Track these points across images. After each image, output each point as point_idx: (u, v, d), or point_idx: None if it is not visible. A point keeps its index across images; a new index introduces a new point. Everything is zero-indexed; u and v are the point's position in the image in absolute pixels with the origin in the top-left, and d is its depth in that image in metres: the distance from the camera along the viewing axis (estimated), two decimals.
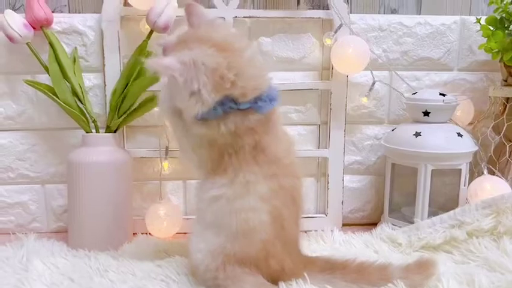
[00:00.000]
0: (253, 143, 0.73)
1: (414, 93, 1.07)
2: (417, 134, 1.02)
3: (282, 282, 0.76)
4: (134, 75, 1.01)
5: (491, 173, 1.06)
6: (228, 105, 0.70)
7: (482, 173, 1.06)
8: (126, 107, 1.03)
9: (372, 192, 1.22)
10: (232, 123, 0.71)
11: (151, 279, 0.83)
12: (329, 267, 0.80)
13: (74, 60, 1.07)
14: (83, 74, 1.09)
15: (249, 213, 0.72)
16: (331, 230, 1.06)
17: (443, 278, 0.80)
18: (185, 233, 1.10)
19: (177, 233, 1.10)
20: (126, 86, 1.02)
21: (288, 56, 1.13)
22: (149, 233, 1.10)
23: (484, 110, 1.15)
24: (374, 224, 1.20)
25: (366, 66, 1.08)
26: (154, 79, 1.01)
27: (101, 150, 1.00)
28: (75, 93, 1.04)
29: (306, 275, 0.76)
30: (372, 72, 1.11)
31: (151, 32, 1.02)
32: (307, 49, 1.13)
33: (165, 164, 1.11)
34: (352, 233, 1.07)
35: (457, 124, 1.07)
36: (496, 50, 1.04)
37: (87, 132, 1.03)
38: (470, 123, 1.15)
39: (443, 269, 0.86)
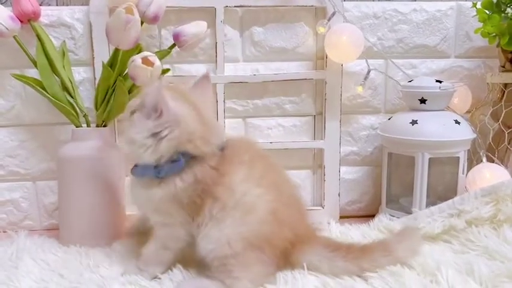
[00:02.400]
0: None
1: (410, 81, 1.05)
2: (413, 122, 0.99)
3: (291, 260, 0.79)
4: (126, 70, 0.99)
5: (491, 160, 1.04)
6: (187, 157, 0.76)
7: (481, 161, 1.03)
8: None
9: (369, 184, 1.20)
10: (191, 174, 0.76)
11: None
12: (333, 245, 0.81)
13: (63, 54, 1.05)
14: (72, 67, 1.07)
15: (244, 197, 0.75)
16: (328, 222, 1.04)
17: (442, 268, 0.78)
18: None
19: None
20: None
21: (281, 46, 1.11)
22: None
23: (482, 97, 1.13)
24: (372, 216, 1.17)
25: (360, 55, 1.06)
26: None
27: (91, 145, 0.97)
28: (64, 87, 1.01)
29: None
30: (366, 61, 1.09)
31: (141, 23, 1.00)
32: (300, 38, 1.11)
33: None
34: (349, 224, 1.05)
35: (454, 112, 1.05)
36: (493, 34, 1.01)
37: (77, 127, 1.01)
38: (468, 111, 1.13)
39: (443, 259, 0.84)
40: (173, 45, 1.02)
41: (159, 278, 0.79)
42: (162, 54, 1.02)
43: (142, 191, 0.79)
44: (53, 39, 1.04)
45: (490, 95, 1.11)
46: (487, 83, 1.11)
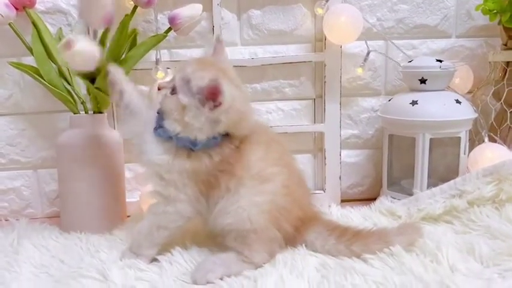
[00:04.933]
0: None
1: (410, 61, 1.03)
2: (414, 103, 0.98)
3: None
4: (124, 49, 0.98)
5: (493, 140, 1.03)
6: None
7: (483, 141, 1.02)
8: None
9: (370, 167, 1.19)
10: (219, 152, 0.76)
11: None
12: (332, 226, 0.82)
13: (60, 41, 1.04)
14: None
15: (260, 173, 0.77)
16: (329, 206, 1.04)
17: (442, 247, 0.77)
18: None
19: None
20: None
21: (279, 29, 1.10)
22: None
23: (484, 77, 1.11)
24: (373, 199, 1.17)
25: (360, 36, 1.04)
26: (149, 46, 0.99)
27: (90, 132, 0.97)
28: (61, 74, 1.01)
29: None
30: (366, 42, 1.08)
31: (135, 8, 0.99)
32: (298, 20, 1.10)
33: None
34: (351, 207, 1.05)
35: (455, 91, 1.03)
36: (494, 11, 0.99)
37: (75, 114, 1.01)
38: (469, 91, 1.11)
39: (443, 239, 0.83)
40: (169, 29, 1.01)
41: (158, 261, 0.80)
42: (158, 39, 1.01)
43: (165, 157, 0.76)
44: (49, 26, 1.03)
45: (492, 74, 1.09)
46: (489, 62, 1.09)
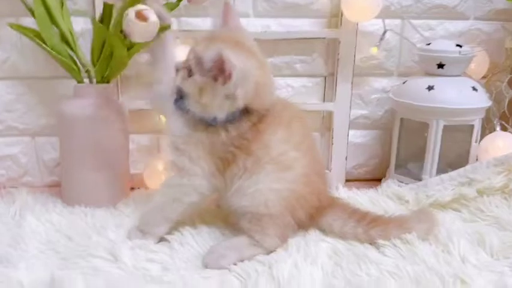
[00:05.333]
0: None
1: (428, 44, 1.00)
2: (430, 88, 0.96)
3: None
4: None
5: (504, 129, 1.02)
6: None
7: (494, 130, 1.01)
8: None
9: (376, 148, 1.18)
10: (236, 127, 0.74)
11: None
12: (351, 210, 0.82)
13: (61, 3, 0.98)
14: (71, 17, 1.00)
15: (279, 157, 0.74)
16: (336, 187, 1.03)
17: (454, 238, 0.78)
18: None
19: None
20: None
21: (294, 2, 1.05)
22: (147, 188, 1.06)
23: (499, 63, 1.09)
24: (378, 180, 1.17)
25: (377, 14, 1.00)
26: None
27: (95, 102, 0.93)
28: (64, 39, 0.95)
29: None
30: (383, 21, 1.04)
31: None
32: None
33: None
34: (357, 189, 1.04)
35: (470, 77, 1.01)
36: None
37: (79, 83, 0.96)
38: (483, 77, 1.09)
39: (453, 228, 0.84)
40: None
41: (167, 241, 0.78)
42: (171, 7, 0.95)
43: (183, 129, 0.75)
44: None
45: (507, 61, 1.07)
46: (506, 48, 1.07)
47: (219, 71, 0.69)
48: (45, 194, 1.00)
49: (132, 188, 1.05)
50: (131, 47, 0.91)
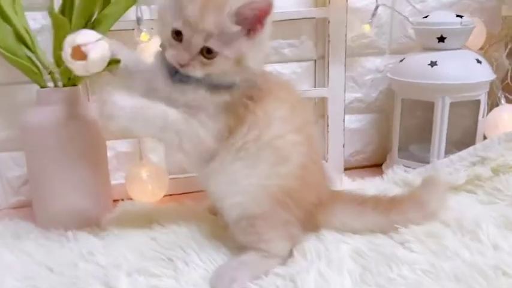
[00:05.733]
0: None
1: (426, 17, 0.93)
2: (433, 64, 0.89)
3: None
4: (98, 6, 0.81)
5: (510, 102, 0.97)
6: None
7: (498, 103, 0.96)
8: None
9: (373, 132, 1.11)
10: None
11: (150, 260, 0.69)
12: (359, 199, 0.76)
13: None
14: (25, 13, 0.86)
15: (278, 140, 0.66)
16: (339, 180, 0.95)
17: (482, 224, 0.72)
18: (173, 195, 0.97)
19: (164, 196, 0.95)
20: (86, 25, 0.81)
21: None
22: (130, 199, 0.95)
23: (495, 32, 1.04)
24: (377, 166, 1.11)
25: None
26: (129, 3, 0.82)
27: (64, 109, 0.81)
28: (20, 38, 0.82)
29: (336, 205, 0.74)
30: None
31: None
32: None
33: None
34: (361, 179, 0.97)
35: (469, 49, 0.96)
36: None
37: (42, 87, 0.83)
38: (480, 48, 1.04)
39: (474, 212, 0.78)
40: None
41: (171, 260, 0.68)
42: None
43: (199, 92, 0.64)
44: None
45: (504, 30, 1.02)
46: (503, 16, 1.02)
47: (263, 16, 0.60)
48: (13, 218, 0.87)
49: (115, 201, 0.94)
50: None
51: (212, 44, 0.60)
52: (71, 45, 0.66)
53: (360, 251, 0.69)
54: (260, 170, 0.66)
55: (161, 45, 0.67)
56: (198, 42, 0.60)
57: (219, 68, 0.62)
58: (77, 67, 0.67)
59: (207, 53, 0.61)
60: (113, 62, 0.72)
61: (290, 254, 0.69)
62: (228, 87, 0.65)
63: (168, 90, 0.65)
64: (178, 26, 0.60)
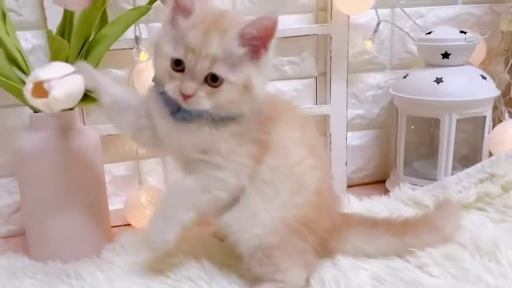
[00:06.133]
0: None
1: (429, 33, 0.93)
2: (438, 80, 0.88)
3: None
4: (95, 26, 0.77)
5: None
6: None
7: (501, 119, 0.96)
8: None
9: (375, 149, 1.10)
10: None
11: None
12: (370, 222, 0.74)
13: (3, 16, 0.79)
14: (16, 32, 0.82)
15: (298, 166, 0.64)
16: (348, 200, 0.93)
17: (500, 245, 0.70)
18: None
19: None
20: (84, 45, 0.77)
21: None
22: (129, 224, 0.91)
23: (493, 46, 1.04)
24: (380, 182, 1.09)
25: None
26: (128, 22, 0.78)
27: (57, 133, 0.76)
28: (11, 59, 0.77)
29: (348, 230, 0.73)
30: (376, 11, 0.95)
31: None
32: None
33: None
34: (368, 197, 0.95)
35: (472, 65, 0.95)
36: None
37: (35, 111, 0.78)
38: (481, 63, 1.04)
39: (488, 231, 0.77)
40: (153, 0, 0.80)
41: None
42: (141, 12, 0.80)
43: (204, 130, 0.61)
44: None
45: (502, 43, 1.02)
46: (502, 31, 1.02)
47: (268, 39, 0.58)
48: (5, 251, 0.82)
49: (113, 227, 0.89)
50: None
51: (218, 70, 0.56)
52: (32, 81, 0.60)
53: (379, 277, 0.67)
54: (279, 201, 0.63)
55: (154, 80, 0.63)
56: (203, 69, 0.56)
57: (227, 96, 0.58)
58: (38, 104, 0.61)
59: (213, 80, 0.57)
60: (90, 100, 0.68)
61: (307, 283, 0.66)
62: (234, 118, 0.61)
63: (170, 130, 0.62)
64: (180, 54, 0.57)
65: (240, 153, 0.61)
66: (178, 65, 0.57)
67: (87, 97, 0.69)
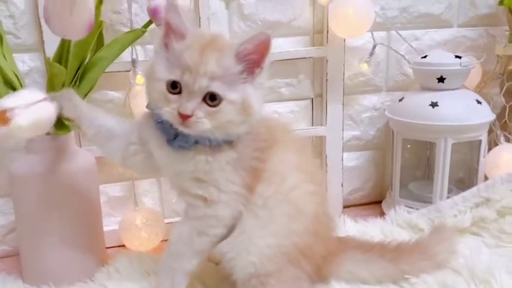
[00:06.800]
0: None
1: (424, 57, 0.93)
2: (433, 104, 0.89)
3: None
4: (91, 48, 0.77)
5: (508, 140, 0.97)
6: None
7: (496, 142, 0.96)
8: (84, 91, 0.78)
9: (371, 170, 1.10)
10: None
11: None
12: (364, 246, 0.74)
13: (0, 38, 0.80)
14: (13, 55, 0.82)
15: (294, 191, 0.64)
16: (343, 222, 0.93)
17: (495, 272, 0.70)
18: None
19: (162, 241, 0.91)
20: (80, 67, 0.77)
21: (276, 19, 0.94)
22: (123, 245, 0.90)
23: (488, 69, 1.05)
24: (376, 203, 1.09)
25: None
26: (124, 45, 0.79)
27: (54, 157, 0.76)
28: (8, 83, 0.77)
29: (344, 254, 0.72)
30: (372, 34, 0.96)
31: None
32: (297, 10, 0.95)
33: None
34: (363, 218, 0.95)
35: (468, 89, 0.96)
36: None
37: None
38: (476, 86, 1.04)
39: (483, 257, 0.76)
40: (149, 23, 0.81)
41: None
42: (136, 35, 0.81)
43: (200, 158, 0.61)
44: None
45: (497, 67, 1.02)
46: (497, 55, 1.02)
47: (263, 56, 0.58)
48: (0, 272, 0.82)
49: (107, 248, 0.89)
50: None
51: (216, 88, 0.56)
52: None
53: None
54: (276, 227, 0.63)
55: (149, 106, 0.63)
56: (201, 87, 0.56)
57: (226, 116, 0.58)
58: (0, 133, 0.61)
59: (211, 99, 0.57)
60: (63, 128, 0.69)
61: None
62: (231, 142, 0.61)
63: (166, 158, 0.63)
64: (176, 76, 0.57)
65: (235, 182, 0.61)
66: (174, 87, 0.57)
67: (61, 124, 0.69)
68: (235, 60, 0.58)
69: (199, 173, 0.61)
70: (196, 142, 0.60)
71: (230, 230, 0.64)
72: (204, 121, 0.57)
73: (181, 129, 0.58)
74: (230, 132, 0.60)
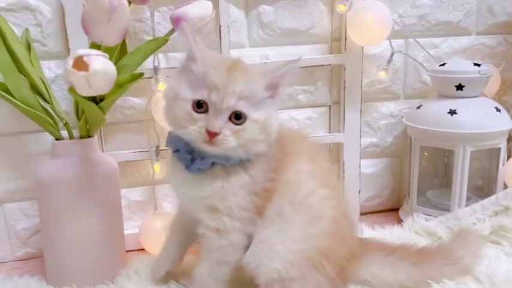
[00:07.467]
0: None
1: (442, 64, 0.94)
2: (452, 112, 0.89)
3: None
4: (115, 56, 0.79)
5: None
6: None
7: None
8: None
9: (388, 177, 1.10)
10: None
11: None
12: (387, 248, 0.74)
13: (29, 47, 0.83)
14: (40, 62, 0.85)
15: (310, 198, 0.65)
16: (360, 229, 0.93)
17: None
18: None
19: None
20: None
21: (294, 27, 0.95)
22: (142, 249, 0.92)
23: (507, 77, 1.04)
24: (393, 210, 1.09)
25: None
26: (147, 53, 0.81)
27: (78, 161, 0.78)
28: (35, 89, 0.80)
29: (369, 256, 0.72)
30: (390, 42, 0.96)
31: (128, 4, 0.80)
32: (315, 18, 0.96)
33: (157, 167, 0.92)
34: (380, 226, 0.95)
35: (487, 97, 0.96)
36: None
37: (57, 139, 0.81)
38: (495, 93, 1.04)
39: (503, 266, 0.76)
40: (171, 32, 0.83)
41: None
42: (159, 43, 0.83)
43: (216, 184, 0.63)
44: (13, 27, 0.81)
45: None
46: None
47: (287, 84, 0.64)
48: (25, 275, 0.83)
49: (127, 251, 0.90)
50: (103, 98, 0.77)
51: (242, 107, 0.59)
52: (72, 58, 0.62)
53: None
54: (294, 232, 0.64)
55: (172, 127, 0.65)
56: (228, 106, 0.59)
57: (250, 134, 0.61)
58: (79, 80, 0.62)
59: (236, 118, 0.60)
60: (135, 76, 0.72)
61: None
62: (245, 164, 0.63)
63: (184, 184, 0.65)
64: (203, 96, 0.59)
65: (248, 209, 0.63)
66: (200, 107, 0.60)
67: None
68: (264, 87, 0.61)
69: (215, 199, 0.63)
70: (213, 163, 0.62)
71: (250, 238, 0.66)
72: (230, 139, 0.59)
73: (205, 147, 0.60)
74: (250, 151, 0.62)
